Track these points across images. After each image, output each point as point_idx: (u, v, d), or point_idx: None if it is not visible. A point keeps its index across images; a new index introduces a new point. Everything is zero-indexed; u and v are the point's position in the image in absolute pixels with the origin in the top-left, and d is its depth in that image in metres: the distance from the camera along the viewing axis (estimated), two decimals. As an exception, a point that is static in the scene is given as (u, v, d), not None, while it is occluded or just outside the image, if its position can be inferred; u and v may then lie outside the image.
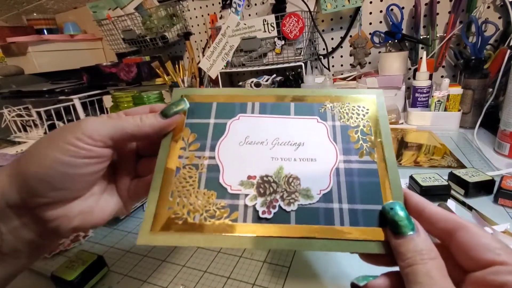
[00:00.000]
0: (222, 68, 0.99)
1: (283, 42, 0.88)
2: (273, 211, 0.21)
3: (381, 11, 0.88)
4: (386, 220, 0.20)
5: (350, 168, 0.23)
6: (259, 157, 0.24)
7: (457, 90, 0.66)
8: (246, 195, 0.22)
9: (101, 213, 0.24)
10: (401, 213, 0.19)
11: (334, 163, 0.23)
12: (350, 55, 0.97)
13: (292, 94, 0.26)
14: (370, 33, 0.90)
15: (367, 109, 0.25)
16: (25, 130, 1.05)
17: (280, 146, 0.24)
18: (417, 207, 0.20)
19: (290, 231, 0.20)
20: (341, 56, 0.98)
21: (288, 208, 0.21)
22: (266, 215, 0.21)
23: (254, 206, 0.22)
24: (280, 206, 0.21)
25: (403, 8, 0.84)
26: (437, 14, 0.81)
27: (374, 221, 0.20)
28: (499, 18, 0.75)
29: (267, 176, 0.23)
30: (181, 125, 0.25)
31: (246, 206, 0.22)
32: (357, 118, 0.25)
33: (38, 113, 0.97)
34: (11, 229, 0.22)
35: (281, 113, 0.26)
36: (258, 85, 0.87)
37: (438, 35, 0.82)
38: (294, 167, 0.23)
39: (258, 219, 0.21)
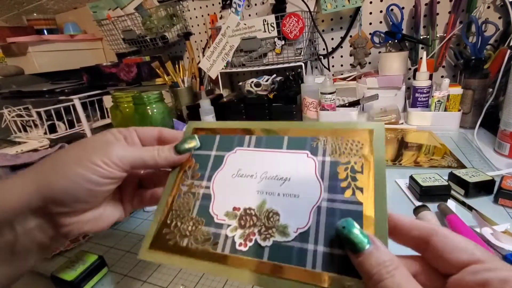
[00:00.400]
0: (222, 68, 0.99)
1: (283, 42, 0.88)
2: (249, 244, 0.21)
3: (381, 11, 0.88)
4: (341, 240, 0.19)
5: (332, 208, 0.21)
6: (247, 190, 0.24)
7: (457, 90, 0.66)
8: (229, 225, 0.23)
9: (107, 219, 0.27)
10: (355, 230, 0.18)
11: (316, 201, 0.22)
12: (350, 55, 0.97)
13: (287, 127, 0.26)
14: (370, 33, 0.90)
15: (362, 144, 0.23)
16: (25, 130, 1.05)
17: (267, 180, 0.24)
18: (390, 223, 0.20)
19: (261, 266, 0.20)
20: (341, 56, 0.98)
21: (263, 243, 0.21)
22: (242, 248, 0.21)
23: (233, 237, 0.22)
24: (256, 240, 0.21)
25: (403, 8, 0.84)
26: (437, 14, 0.81)
27: (352, 269, 0.18)
28: (499, 18, 0.75)
29: (250, 209, 0.23)
30: (189, 156, 0.28)
31: (226, 236, 0.22)
32: (349, 154, 0.23)
33: (38, 113, 0.97)
34: (26, 230, 0.23)
35: (275, 146, 0.25)
36: (258, 85, 0.87)
37: (438, 35, 0.82)
38: (277, 202, 0.23)
39: (234, 250, 0.22)
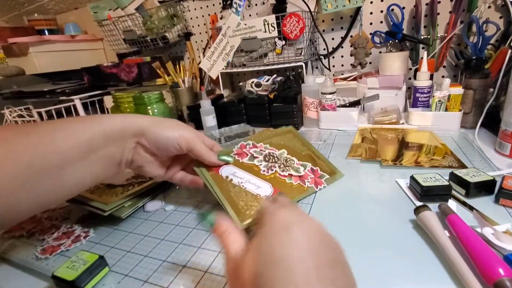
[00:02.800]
0: (223, 69, 0.99)
1: (283, 42, 0.88)
2: None
3: (381, 11, 0.88)
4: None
5: None
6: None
7: (458, 90, 0.65)
8: None
9: (154, 170, 0.44)
10: (209, 219, 0.28)
11: None
12: (351, 55, 0.97)
13: None
14: (370, 33, 0.90)
15: None
16: (26, 131, 1.05)
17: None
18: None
19: None
20: (342, 56, 0.98)
21: None
22: None
23: None
24: None
25: (403, 8, 0.84)
26: (438, 14, 0.81)
27: None
28: (500, 18, 0.75)
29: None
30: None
31: None
32: None
33: (39, 114, 0.97)
34: (127, 148, 0.40)
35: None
36: (258, 85, 0.87)
37: (438, 35, 0.82)
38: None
39: None
